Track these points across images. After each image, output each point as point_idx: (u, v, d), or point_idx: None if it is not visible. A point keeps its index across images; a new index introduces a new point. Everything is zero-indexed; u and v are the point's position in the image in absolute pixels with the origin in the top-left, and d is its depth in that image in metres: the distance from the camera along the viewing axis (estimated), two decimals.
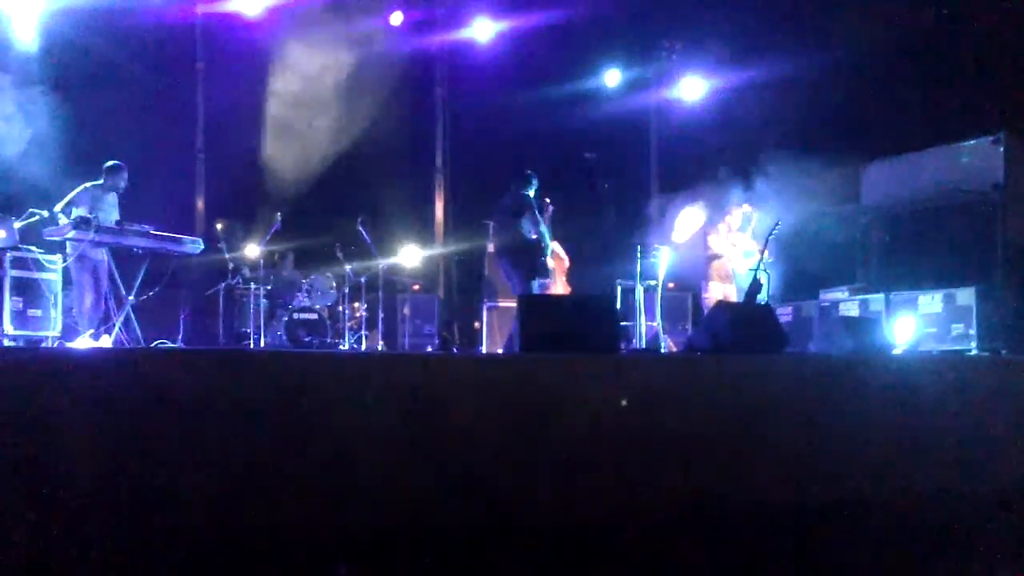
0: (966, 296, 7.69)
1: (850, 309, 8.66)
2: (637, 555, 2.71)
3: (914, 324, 7.77)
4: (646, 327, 8.44)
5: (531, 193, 6.69)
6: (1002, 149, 8.37)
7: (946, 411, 3.59)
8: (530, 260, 6.50)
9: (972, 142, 8.72)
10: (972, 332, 7.55)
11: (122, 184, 6.69)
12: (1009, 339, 7.38)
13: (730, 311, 5.06)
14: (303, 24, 9.19)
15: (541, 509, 2.79)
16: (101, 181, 6.61)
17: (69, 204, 6.33)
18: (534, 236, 6.51)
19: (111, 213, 6.57)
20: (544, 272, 6.61)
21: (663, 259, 8.41)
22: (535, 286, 6.51)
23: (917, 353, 7.33)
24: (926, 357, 6.51)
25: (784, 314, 8.81)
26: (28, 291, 6.57)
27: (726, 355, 4.40)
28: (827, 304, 8.99)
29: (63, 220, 6.25)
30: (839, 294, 9.05)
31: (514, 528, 2.70)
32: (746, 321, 4.92)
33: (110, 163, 6.69)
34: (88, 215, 6.14)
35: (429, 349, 8.99)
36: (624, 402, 3.03)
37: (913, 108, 9.23)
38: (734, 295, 7.97)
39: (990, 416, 3.62)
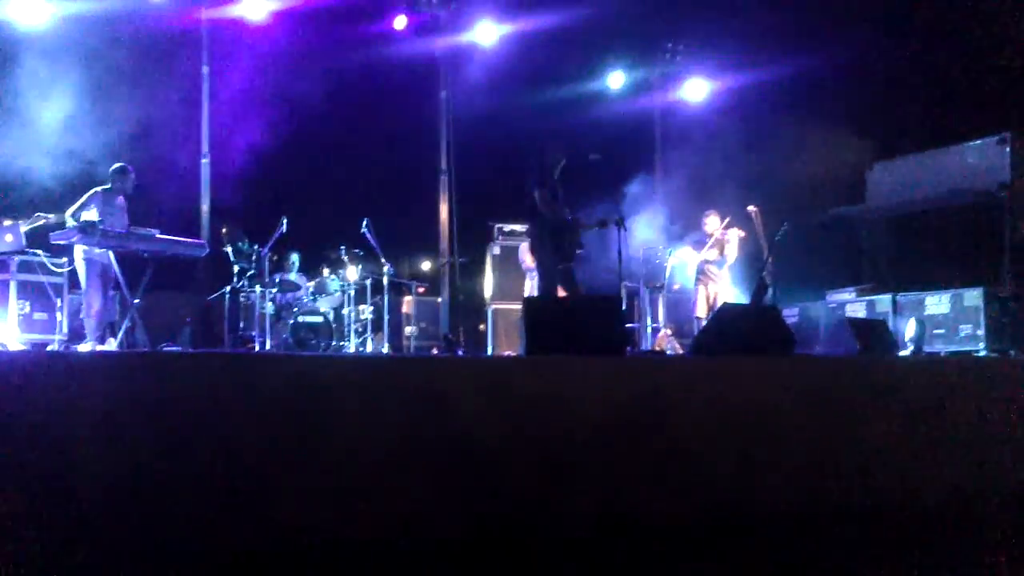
0: (974, 297, 7.66)
1: (857, 310, 8.63)
2: (640, 561, 2.69)
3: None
4: (652, 329, 8.43)
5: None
6: (1008, 149, 8.34)
7: (956, 413, 3.57)
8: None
9: (978, 142, 8.69)
10: (980, 333, 7.52)
11: (129, 186, 6.74)
12: (1018, 340, 7.35)
13: (736, 313, 5.04)
14: (307, 28, 9.21)
15: (546, 514, 2.77)
16: (109, 185, 6.64)
17: (80, 208, 6.36)
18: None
19: (121, 217, 6.60)
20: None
21: (669, 261, 8.37)
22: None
23: (925, 355, 7.30)
24: (934, 359, 6.47)
25: (790, 316, 8.78)
26: (34, 295, 6.60)
27: (732, 357, 4.38)
28: (834, 305, 8.96)
29: (71, 223, 6.27)
30: (846, 295, 9.02)
31: (518, 534, 2.69)
32: (752, 323, 4.90)
33: (116, 165, 6.75)
34: (97, 219, 6.15)
35: (434, 352, 8.98)
36: (630, 404, 3.01)
37: (919, 108, 9.20)
38: (724, 294, 7.86)
39: (1001, 418, 3.59)
